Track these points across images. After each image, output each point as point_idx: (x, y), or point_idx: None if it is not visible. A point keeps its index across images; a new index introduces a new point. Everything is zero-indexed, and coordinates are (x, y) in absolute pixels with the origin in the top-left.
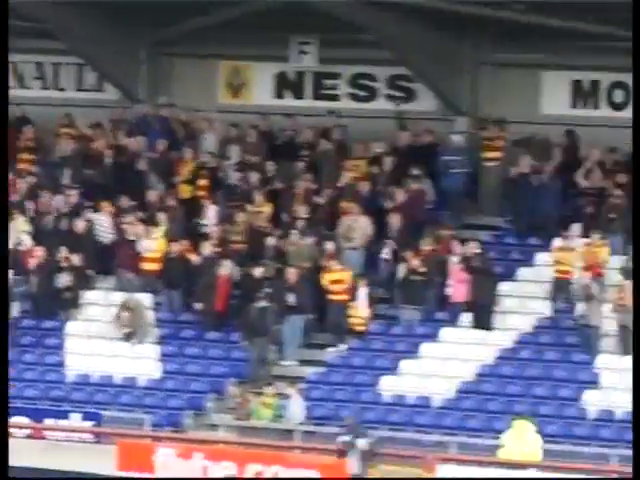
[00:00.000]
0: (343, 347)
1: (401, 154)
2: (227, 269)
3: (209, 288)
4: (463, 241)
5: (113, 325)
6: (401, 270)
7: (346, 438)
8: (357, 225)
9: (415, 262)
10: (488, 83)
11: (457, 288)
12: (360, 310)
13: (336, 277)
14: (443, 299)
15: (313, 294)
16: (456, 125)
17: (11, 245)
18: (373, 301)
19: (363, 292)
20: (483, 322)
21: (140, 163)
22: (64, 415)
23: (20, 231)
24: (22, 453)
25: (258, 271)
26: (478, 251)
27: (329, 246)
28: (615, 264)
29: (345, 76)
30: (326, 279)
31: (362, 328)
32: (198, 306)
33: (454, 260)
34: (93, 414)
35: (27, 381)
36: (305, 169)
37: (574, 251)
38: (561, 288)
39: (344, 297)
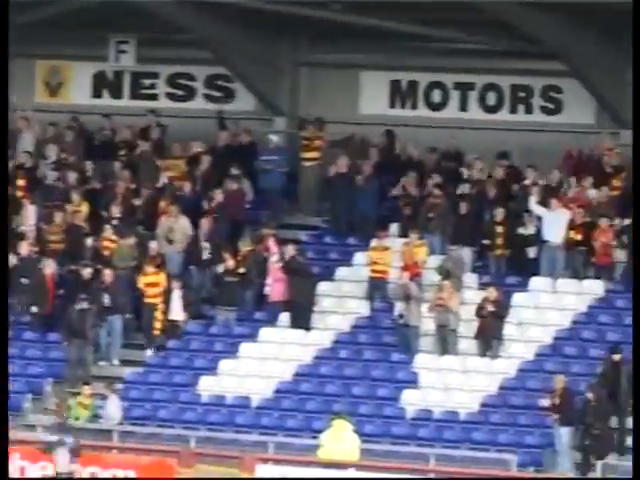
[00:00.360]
0: (149, 351)
1: (220, 154)
2: (51, 269)
3: (35, 289)
4: (282, 241)
5: None
6: (220, 270)
7: (53, 438)
8: (177, 226)
9: (234, 262)
10: (307, 83)
11: (276, 288)
12: (174, 312)
13: (151, 279)
14: (262, 299)
15: (131, 295)
16: (275, 125)
17: None
18: (192, 301)
19: (179, 293)
20: (301, 322)
21: None
22: None
23: None
24: None
25: (78, 271)
26: (297, 251)
27: (148, 246)
28: (433, 264)
29: (163, 76)
30: (142, 281)
31: (177, 330)
32: (34, 309)
33: (273, 260)
34: None
35: None
36: (123, 169)
37: (392, 251)
38: (379, 288)
39: (159, 298)
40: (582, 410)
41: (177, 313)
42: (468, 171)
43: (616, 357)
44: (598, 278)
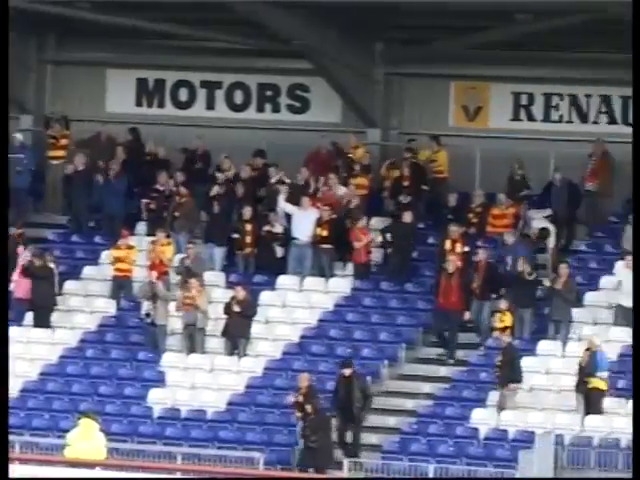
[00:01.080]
0: None
1: None
2: None
3: None
4: (27, 240)
5: None
6: None
7: None
8: None
9: None
10: (53, 81)
11: (21, 287)
12: None
13: None
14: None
15: None
16: (20, 123)
17: None
18: None
19: None
20: (43, 321)
21: None
22: None
23: None
24: None
25: None
26: (42, 250)
27: None
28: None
29: None
30: None
31: None
32: None
33: (18, 259)
34: None
35: None
36: None
37: (139, 249)
38: (123, 287)
39: None
40: (302, 424)
41: None
42: (217, 170)
43: (347, 371)
44: (351, 276)
